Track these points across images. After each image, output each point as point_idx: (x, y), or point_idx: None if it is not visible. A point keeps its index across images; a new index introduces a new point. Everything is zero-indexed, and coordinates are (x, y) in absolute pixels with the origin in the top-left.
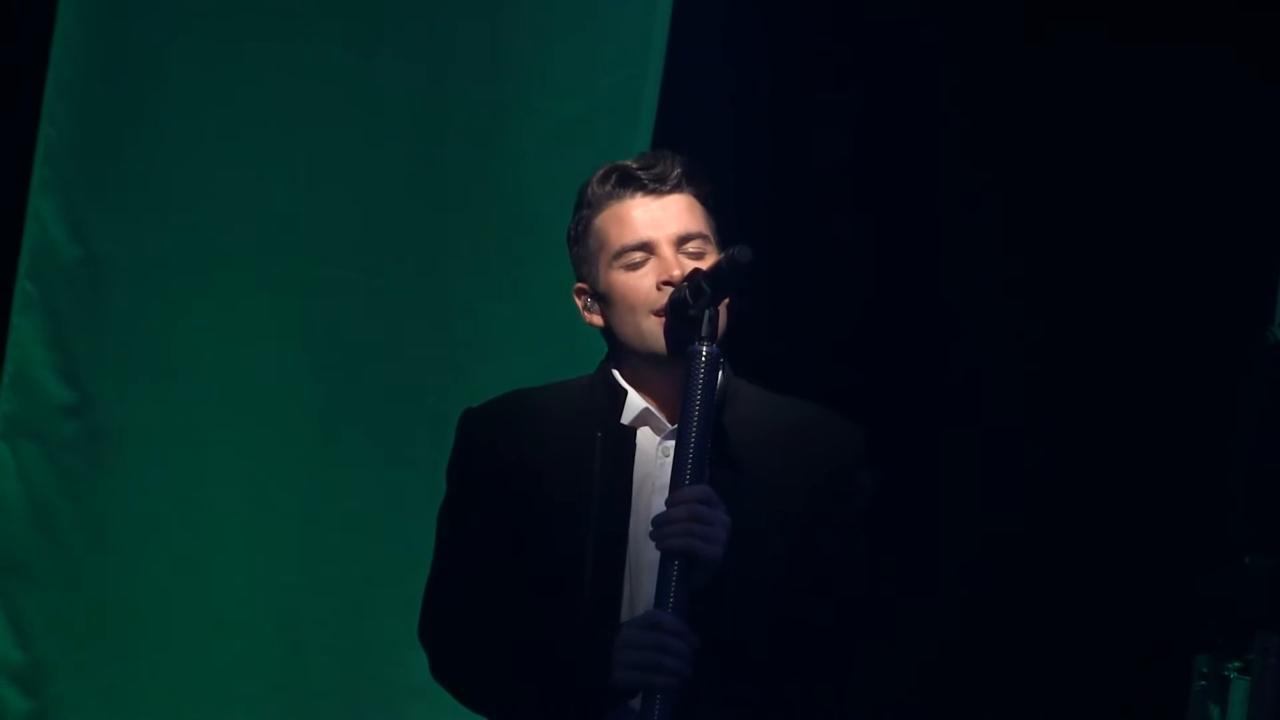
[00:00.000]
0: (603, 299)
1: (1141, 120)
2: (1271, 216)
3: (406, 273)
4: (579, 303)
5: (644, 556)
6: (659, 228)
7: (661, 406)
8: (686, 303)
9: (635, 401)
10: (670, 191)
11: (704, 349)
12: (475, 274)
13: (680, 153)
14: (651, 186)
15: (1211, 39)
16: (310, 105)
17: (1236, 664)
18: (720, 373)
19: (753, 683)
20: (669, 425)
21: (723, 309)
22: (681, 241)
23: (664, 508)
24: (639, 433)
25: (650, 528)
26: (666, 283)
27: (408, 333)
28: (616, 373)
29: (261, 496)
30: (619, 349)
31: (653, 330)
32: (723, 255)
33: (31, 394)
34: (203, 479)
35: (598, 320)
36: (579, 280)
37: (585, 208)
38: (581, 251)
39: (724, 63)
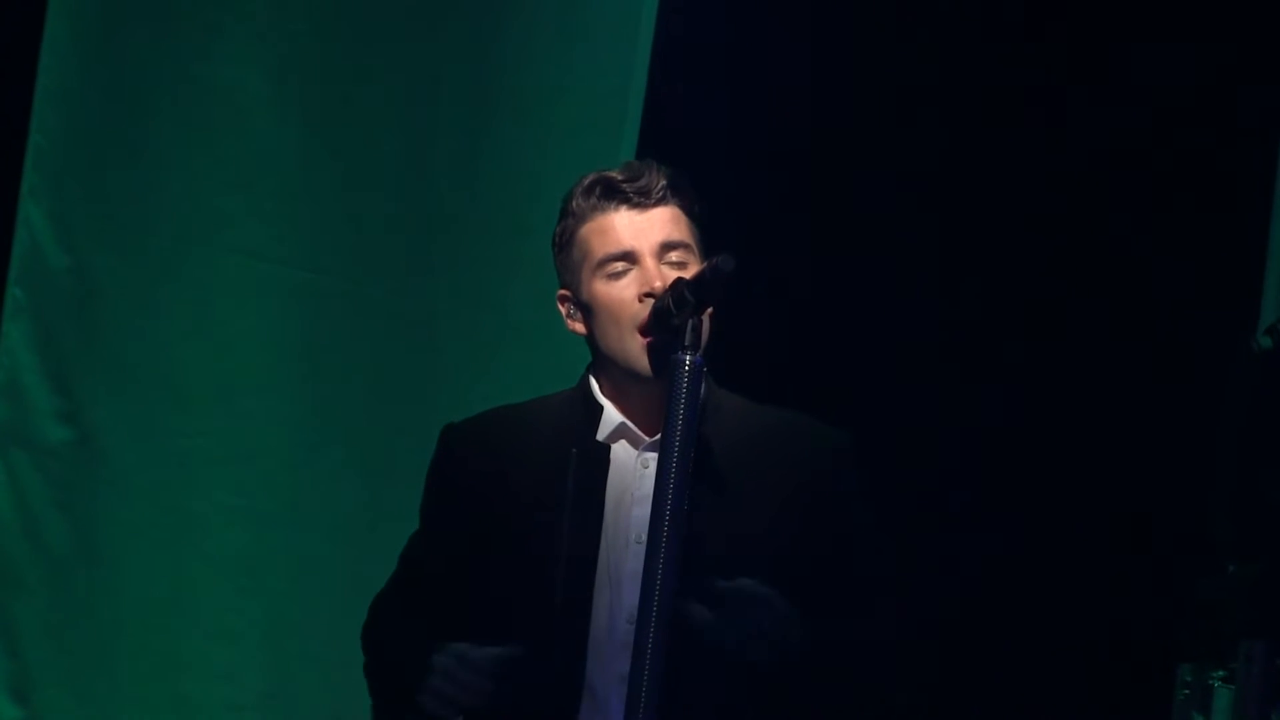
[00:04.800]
0: (585, 308)
1: (1132, 122)
2: (1255, 222)
3: (393, 281)
4: (562, 309)
5: (624, 567)
6: (642, 237)
7: (641, 419)
8: (670, 312)
9: (612, 416)
10: (654, 205)
11: (687, 358)
12: (461, 282)
13: (665, 163)
14: (636, 200)
15: (1201, 40)
16: (297, 114)
17: (1220, 673)
18: (702, 384)
19: (747, 697)
20: (646, 438)
21: (706, 318)
22: (664, 251)
23: (645, 518)
24: (617, 446)
25: (636, 538)
26: (648, 294)
27: (394, 340)
28: (596, 385)
29: (247, 504)
30: (601, 359)
31: (635, 350)
32: (705, 264)
33: (21, 401)
34: (189, 487)
35: (580, 328)
36: (562, 287)
37: (569, 217)
38: (565, 260)
39: (708, 71)
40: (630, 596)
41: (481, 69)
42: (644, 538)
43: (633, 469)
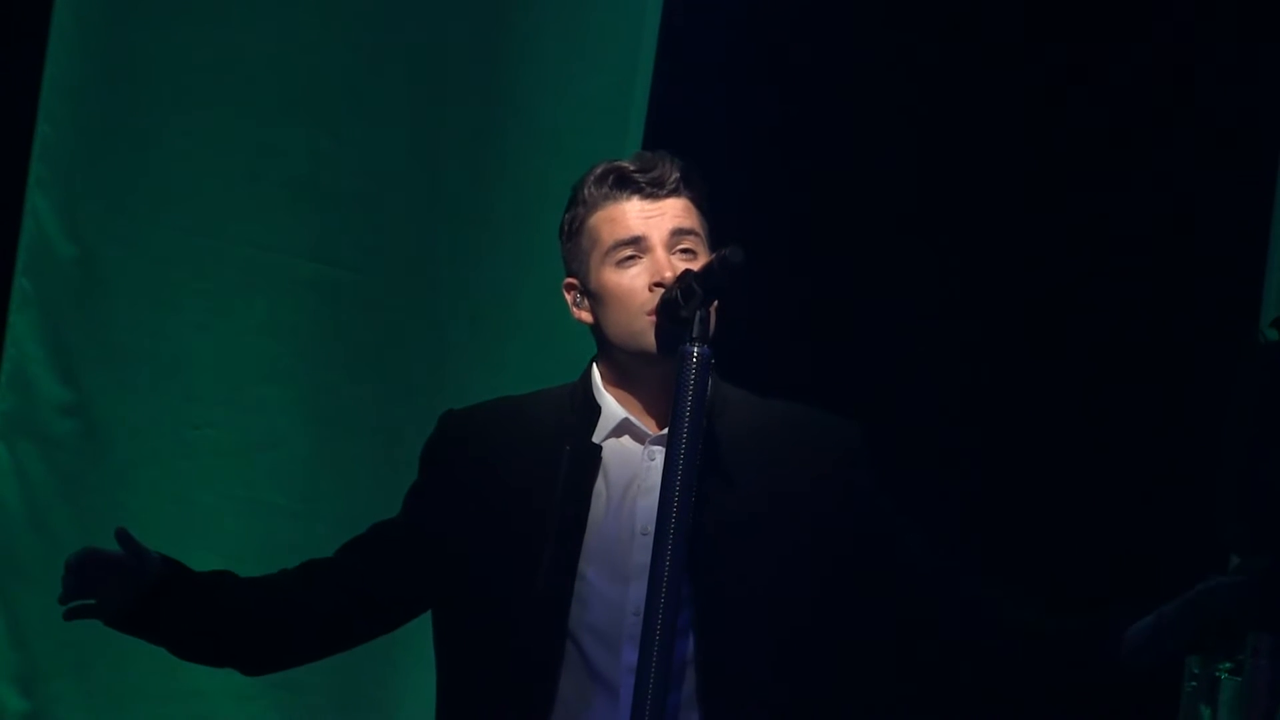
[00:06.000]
0: (594, 297)
1: (1132, 119)
2: (1258, 215)
3: (399, 273)
4: (568, 298)
5: (632, 560)
6: (653, 227)
7: (647, 413)
8: (678, 303)
9: (614, 412)
10: (667, 195)
11: (695, 350)
12: (468, 275)
13: (677, 155)
14: (649, 190)
15: (1201, 37)
16: (305, 105)
17: (1227, 665)
18: (710, 377)
19: (759, 693)
20: (650, 433)
21: (713, 310)
22: (675, 242)
23: (651, 509)
24: (621, 440)
25: (642, 530)
26: (658, 284)
27: (401, 332)
28: (599, 379)
29: (255, 496)
30: (607, 347)
31: (644, 331)
32: (714, 256)
33: (28, 392)
34: (197, 479)
35: (586, 317)
36: (568, 275)
37: (580, 205)
38: (573, 248)
39: (713, 65)
40: (637, 588)
41: (488, 63)
42: (650, 529)
43: (639, 461)
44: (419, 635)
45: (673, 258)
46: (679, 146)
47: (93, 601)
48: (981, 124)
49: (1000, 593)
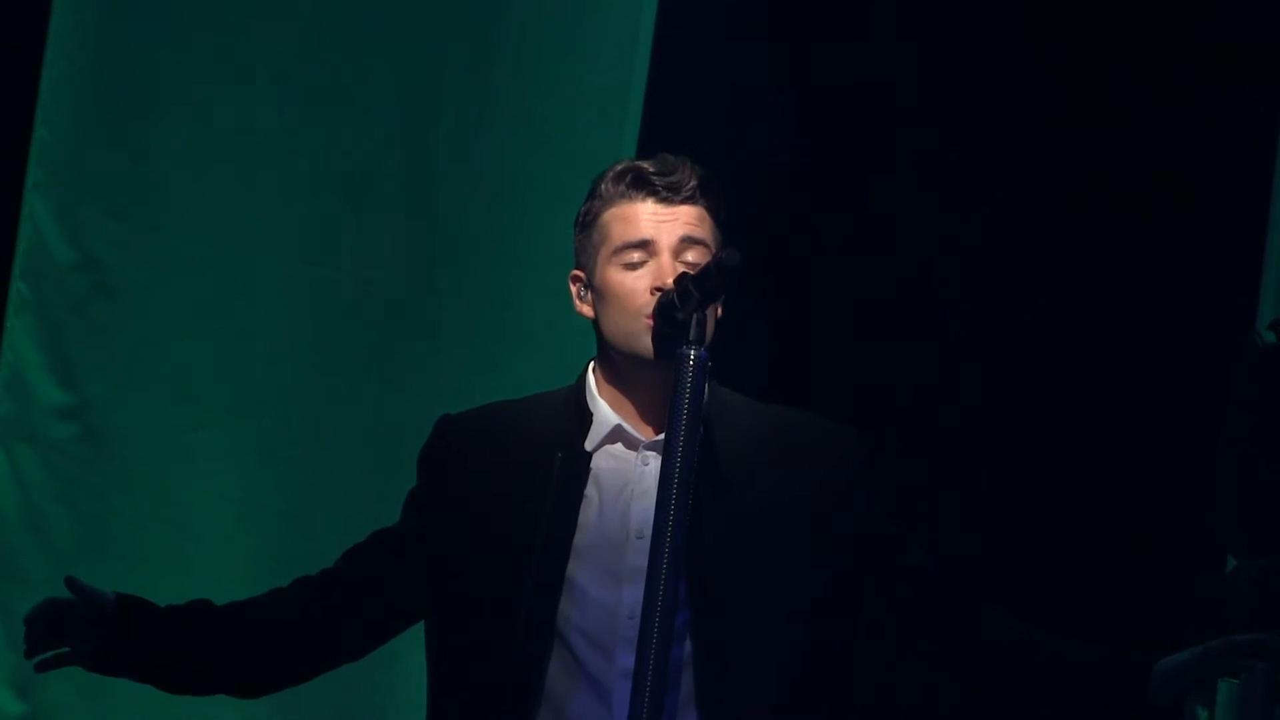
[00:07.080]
0: (596, 292)
1: (1129, 120)
2: (1256, 216)
3: (395, 275)
4: (573, 289)
5: (626, 564)
6: (663, 231)
7: (642, 415)
8: (674, 306)
9: (607, 419)
10: (681, 202)
11: (692, 352)
12: (463, 276)
13: (697, 163)
14: (664, 194)
15: (1199, 37)
16: (300, 107)
17: None
18: (706, 385)
19: (757, 694)
20: (643, 439)
21: (711, 313)
22: (682, 249)
23: (645, 513)
24: (613, 447)
25: (637, 534)
26: (659, 289)
27: (396, 335)
28: (596, 381)
29: (252, 498)
30: (605, 346)
31: (640, 334)
32: (710, 259)
33: (25, 396)
34: (193, 481)
35: (588, 311)
36: (577, 267)
37: (596, 199)
38: (584, 240)
39: (710, 64)
40: (631, 592)
41: (482, 63)
42: (646, 533)
43: (633, 467)
44: (417, 640)
45: (678, 264)
46: (675, 147)
47: (65, 650)
48: (981, 124)
49: (1002, 611)
